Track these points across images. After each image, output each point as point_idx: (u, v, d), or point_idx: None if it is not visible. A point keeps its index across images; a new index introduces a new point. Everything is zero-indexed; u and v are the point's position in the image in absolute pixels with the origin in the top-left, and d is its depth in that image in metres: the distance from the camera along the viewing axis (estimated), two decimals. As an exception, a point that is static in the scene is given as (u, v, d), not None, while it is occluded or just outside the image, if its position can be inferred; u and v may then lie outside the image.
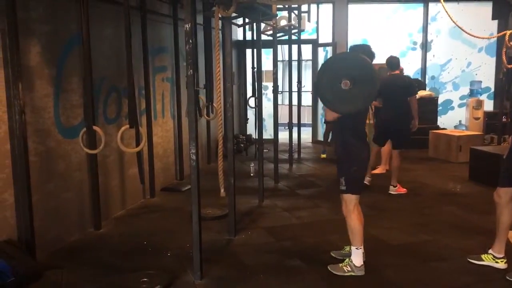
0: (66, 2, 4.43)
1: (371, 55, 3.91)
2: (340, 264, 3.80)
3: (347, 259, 3.80)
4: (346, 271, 3.74)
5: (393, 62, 6.37)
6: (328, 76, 3.47)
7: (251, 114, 9.75)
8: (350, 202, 3.74)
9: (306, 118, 12.27)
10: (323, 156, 7.84)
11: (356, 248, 3.73)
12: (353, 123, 3.74)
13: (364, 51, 3.88)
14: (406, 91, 6.26)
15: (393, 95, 6.21)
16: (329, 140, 7.35)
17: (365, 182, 6.91)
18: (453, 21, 5.33)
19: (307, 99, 11.51)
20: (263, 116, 6.87)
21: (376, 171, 7.29)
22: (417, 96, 9.55)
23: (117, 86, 5.31)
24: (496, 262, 3.85)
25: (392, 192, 6.29)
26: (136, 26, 5.55)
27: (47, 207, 4.22)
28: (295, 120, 8.73)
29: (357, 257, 3.73)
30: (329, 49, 10.83)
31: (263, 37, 6.84)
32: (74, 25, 4.52)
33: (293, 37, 8.65)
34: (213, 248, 4.33)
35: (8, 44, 3.64)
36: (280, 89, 9.38)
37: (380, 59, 9.31)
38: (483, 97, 10.79)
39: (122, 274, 3.76)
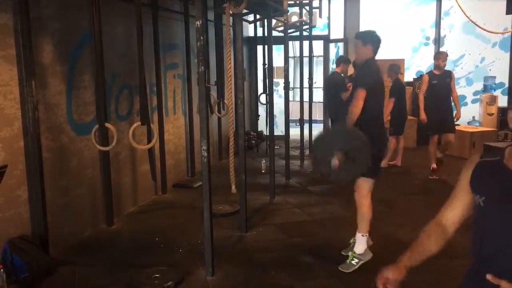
0: (78, 0, 4.46)
1: (376, 41, 3.98)
2: (347, 261, 3.80)
3: (350, 253, 3.80)
4: (355, 263, 3.74)
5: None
6: (321, 151, 3.55)
7: (262, 110, 9.73)
8: (364, 187, 3.72)
9: (318, 114, 12.23)
10: None
11: (362, 235, 3.73)
12: (372, 111, 3.71)
13: (366, 36, 4.01)
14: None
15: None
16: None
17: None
18: (467, 16, 5.27)
19: (318, 96, 11.47)
20: (274, 113, 6.85)
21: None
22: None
23: (128, 83, 5.34)
24: (510, 260, 3.81)
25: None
26: (148, 23, 5.56)
27: (60, 203, 4.26)
28: (306, 117, 8.70)
29: (360, 244, 3.74)
30: (341, 45, 10.77)
31: (274, 33, 6.83)
32: (86, 22, 4.55)
33: (304, 33, 8.61)
34: (225, 245, 4.34)
35: (22, 42, 3.68)
36: (291, 85, 9.34)
37: (392, 54, 9.35)
38: (497, 92, 10.63)
39: (135, 270, 3.79)
